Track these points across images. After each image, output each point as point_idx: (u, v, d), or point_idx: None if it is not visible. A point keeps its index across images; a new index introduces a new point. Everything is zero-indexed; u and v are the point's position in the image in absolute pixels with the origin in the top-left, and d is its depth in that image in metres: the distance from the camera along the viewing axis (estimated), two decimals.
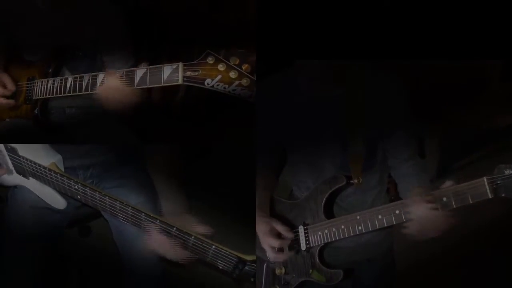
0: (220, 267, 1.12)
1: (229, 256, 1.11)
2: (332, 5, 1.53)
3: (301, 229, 1.43)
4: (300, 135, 1.45)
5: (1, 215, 1.57)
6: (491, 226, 2.32)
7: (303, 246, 1.42)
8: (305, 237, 1.42)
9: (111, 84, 1.35)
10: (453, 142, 2.82)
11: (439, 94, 2.55)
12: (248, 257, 1.12)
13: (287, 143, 1.49)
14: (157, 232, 1.20)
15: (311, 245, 1.41)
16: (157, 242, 1.23)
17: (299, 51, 1.53)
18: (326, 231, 1.38)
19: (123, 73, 1.33)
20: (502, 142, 2.76)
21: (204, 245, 1.12)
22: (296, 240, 1.43)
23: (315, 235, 1.40)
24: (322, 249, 1.41)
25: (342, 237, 1.36)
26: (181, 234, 1.14)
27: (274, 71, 1.46)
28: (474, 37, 1.53)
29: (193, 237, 1.12)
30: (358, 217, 1.33)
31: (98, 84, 1.38)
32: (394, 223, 1.27)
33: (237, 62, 1.17)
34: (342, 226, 1.35)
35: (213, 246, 1.11)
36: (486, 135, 2.82)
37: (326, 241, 1.39)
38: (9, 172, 1.46)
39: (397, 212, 1.27)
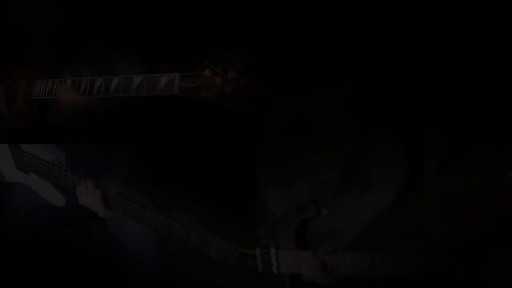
0: (216, 259, 1.12)
1: (232, 250, 1.11)
2: (334, 5, 1.55)
3: (273, 250, 1.31)
4: (273, 149, 1.36)
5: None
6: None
7: (274, 269, 1.30)
8: (276, 260, 1.30)
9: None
10: (452, 143, 2.83)
11: (439, 95, 2.57)
12: (249, 252, 1.12)
13: (261, 155, 1.38)
14: None
15: (281, 271, 1.30)
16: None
17: (300, 51, 1.54)
18: (295, 261, 1.27)
19: (121, 79, 1.30)
20: (502, 143, 2.76)
21: (207, 239, 1.12)
22: (268, 261, 1.31)
23: (285, 261, 1.29)
24: (294, 278, 1.30)
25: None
26: (184, 229, 1.15)
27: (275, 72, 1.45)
28: (474, 37, 1.54)
29: (196, 231, 1.13)
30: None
31: (95, 88, 1.37)
32: None
33: (234, 76, 1.15)
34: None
35: (216, 241, 1.12)
36: (487, 135, 2.83)
37: (295, 272, 1.28)
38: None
39: None
